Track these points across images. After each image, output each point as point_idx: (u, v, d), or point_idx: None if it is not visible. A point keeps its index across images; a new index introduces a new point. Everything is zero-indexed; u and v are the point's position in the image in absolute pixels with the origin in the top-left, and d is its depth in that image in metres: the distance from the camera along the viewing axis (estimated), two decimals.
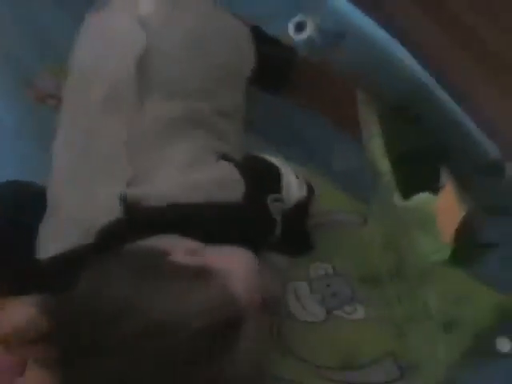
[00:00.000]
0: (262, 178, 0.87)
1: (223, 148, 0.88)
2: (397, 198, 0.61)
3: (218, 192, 0.82)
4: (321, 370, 0.84)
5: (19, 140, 1.01)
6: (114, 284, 0.73)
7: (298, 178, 0.90)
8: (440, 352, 0.80)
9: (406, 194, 0.62)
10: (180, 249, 0.76)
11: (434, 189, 0.63)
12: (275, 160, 0.90)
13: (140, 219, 0.80)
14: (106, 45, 0.94)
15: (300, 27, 0.58)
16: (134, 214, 0.80)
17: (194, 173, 0.84)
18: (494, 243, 0.79)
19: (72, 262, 0.79)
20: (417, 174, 0.65)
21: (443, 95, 0.64)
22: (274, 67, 1.03)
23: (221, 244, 0.78)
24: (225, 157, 0.86)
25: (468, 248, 0.79)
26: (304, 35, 0.58)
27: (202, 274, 0.73)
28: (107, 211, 0.80)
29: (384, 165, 0.62)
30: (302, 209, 0.91)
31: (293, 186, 0.89)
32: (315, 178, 0.97)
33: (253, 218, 0.84)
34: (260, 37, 0.93)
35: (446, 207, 0.62)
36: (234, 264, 0.76)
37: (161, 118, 0.86)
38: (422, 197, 0.61)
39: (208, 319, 0.70)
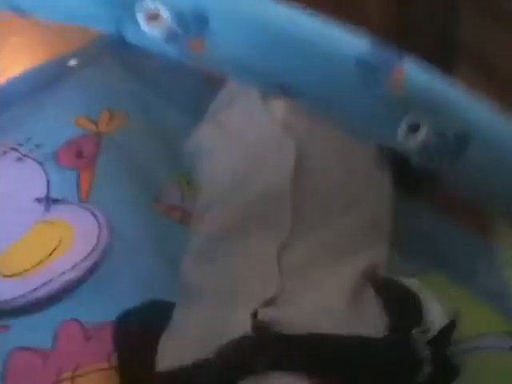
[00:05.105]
0: (404, 310, 0.78)
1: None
2: None
3: (360, 326, 0.74)
4: None
5: (140, 254, 0.97)
6: None
7: (439, 302, 0.80)
8: None
9: None
10: None
11: None
12: (412, 282, 0.81)
13: (268, 345, 0.71)
14: (249, 155, 0.88)
15: (412, 129, 0.49)
16: (263, 337, 0.71)
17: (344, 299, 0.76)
18: None
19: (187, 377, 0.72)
20: None
21: None
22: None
23: None
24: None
25: None
26: (417, 139, 0.49)
27: None
28: (235, 330, 0.72)
29: None
30: (443, 339, 0.80)
31: (433, 313, 0.79)
32: (455, 290, 0.88)
33: (397, 358, 0.73)
34: None
35: None
36: None
37: (314, 242, 0.79)
38: None
39: None
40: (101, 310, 0.89)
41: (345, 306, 0.75)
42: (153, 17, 0.47)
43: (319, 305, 0.75)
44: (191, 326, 0.77)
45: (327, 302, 0.75)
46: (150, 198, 1.04)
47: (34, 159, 1.09)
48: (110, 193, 1.04)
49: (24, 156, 1.09)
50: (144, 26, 0.48)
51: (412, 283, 0.82)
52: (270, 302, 0.74)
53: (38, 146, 1.10)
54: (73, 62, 1.22)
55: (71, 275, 0.94)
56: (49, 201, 1.04)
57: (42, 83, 1.18)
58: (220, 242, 0.81)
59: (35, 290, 0.92)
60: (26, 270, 0.95)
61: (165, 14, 0.47)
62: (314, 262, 0.78)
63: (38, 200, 1.04)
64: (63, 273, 0.94)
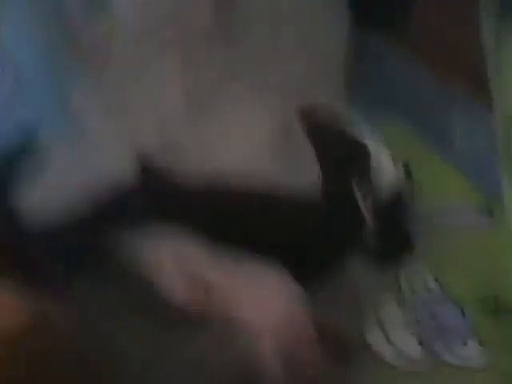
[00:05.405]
0: (344, 160, 0.67)
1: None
2: None
3: (288, 173, 0.63)
4: None
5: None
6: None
7: (393, 159, 0.69)
8: None
9: None
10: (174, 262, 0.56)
11: None
12: (362, 131, 0.69)
13: (154, 191, 0.60)
14: None
15: None
16: (149, 183, 0.60)
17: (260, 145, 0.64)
18: None
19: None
20: None
21: None
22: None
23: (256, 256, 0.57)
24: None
25: None
26: None
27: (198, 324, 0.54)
28: (116, 170, 0.61)
29: None
30: (399, 202, 0.69)
31: (385, 169, 0.68)
32: (422, 153, 0.75)
33: (333, 218, 0.63)
34: None
35: None
36: (260, 306, 0.56)
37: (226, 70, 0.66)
38: None
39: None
40: None
41: (269, 149, 0.63)
42: None
43: (237, 145, 0.62)
44: (65, 168, 0.63)
45: (247, 142, 0.63)
46: (66, 44, 0.85)
47: None
48: (18, 34, 0.88)
49: None
50: None
51: (363, 134, 0.69)
52: (168, 139, 0.61)
53: None
54: None
55: None
56: None
57: None
58: (118, 71, 0.67)
59: None
60: None
61: None
62: (235, 94, 0.65)
63: None
64: None
